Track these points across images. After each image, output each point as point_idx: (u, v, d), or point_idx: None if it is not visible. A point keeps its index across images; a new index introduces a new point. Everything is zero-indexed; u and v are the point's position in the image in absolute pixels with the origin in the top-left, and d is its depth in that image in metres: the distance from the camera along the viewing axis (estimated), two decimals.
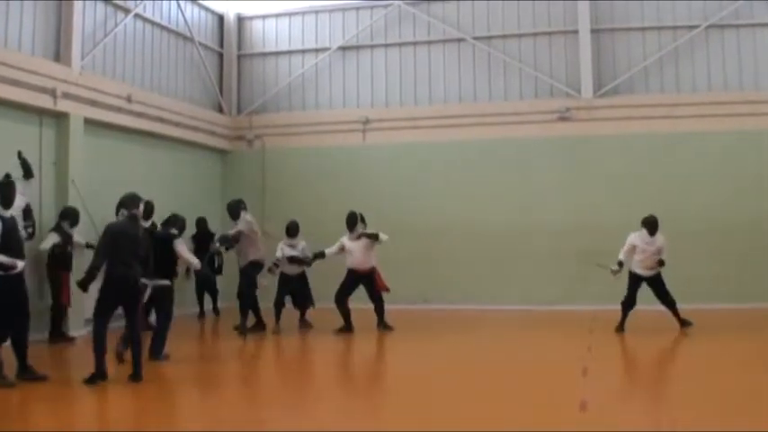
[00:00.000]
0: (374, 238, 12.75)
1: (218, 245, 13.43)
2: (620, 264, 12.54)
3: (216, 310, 15.71)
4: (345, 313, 12.90)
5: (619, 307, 12.62)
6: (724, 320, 13.66)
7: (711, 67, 16.74)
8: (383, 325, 13.12)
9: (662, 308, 12.58)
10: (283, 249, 13.22)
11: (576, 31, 16.87)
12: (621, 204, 15.64)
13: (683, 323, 12.37)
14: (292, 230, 13.36)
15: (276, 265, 13.30)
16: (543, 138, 16.75)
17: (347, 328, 12.87)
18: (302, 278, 13.49)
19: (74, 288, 10.46)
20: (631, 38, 16.96)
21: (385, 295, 13.26)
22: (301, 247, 13.26)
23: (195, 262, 10.44)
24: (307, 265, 13.14)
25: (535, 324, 14.36)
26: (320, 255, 12.95)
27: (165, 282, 9.89)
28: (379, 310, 13.07)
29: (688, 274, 14.88)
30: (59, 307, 11.92)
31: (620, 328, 12.48)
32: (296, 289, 13.44)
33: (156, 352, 9.88)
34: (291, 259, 13.00)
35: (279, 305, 13.20)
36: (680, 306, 12.52)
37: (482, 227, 16.75)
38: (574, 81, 16.90)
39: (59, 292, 11.83)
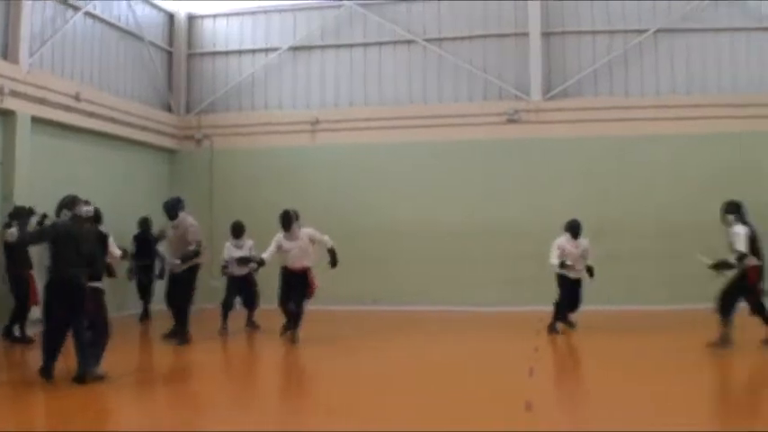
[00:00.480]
0: (334, 258, 11.97)
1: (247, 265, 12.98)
2: (563, 265, 12.65)
3: (147, 312, 15.32)
4: (289, 311, 12.19)
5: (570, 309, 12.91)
6: (672, 321, 13.87)
7: (660, 70, 17.04)
8: (295, 335, 11.97)
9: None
10: (230, 250, 13.15)
11: (526, 34, 17.10)
12: (570, 206, 15.69)
13: (569, 324, 12.79)
14: (238, 231, 13.30)
15: (225, 266, 13.24)
16: (492, 140, 16.93)
17: (289, 327, 12.18)
18: (250, 279, 13.44)
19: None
20: (581, 41, 17.23)
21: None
22: (248, 246, 13.20)
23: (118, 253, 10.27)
24: (256, 264, 12.63)
25: (484, 325, 14.48)
26: (261, 263, 12.19)
27: (97, 284, 9.15)
28: (297, 315, 11.95)
29: (634, 275, 15.08)
30: (25, 307, 11.63)
31: (553, 329, 12.69)
32: (244, 290, 13.38)
33: (87, 365, 8.43)
34: (240, 260, 12.77)
35: (227, 306, 13.14)
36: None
37: (432, 228, 16.88)
38: (523, 84, 17.09)
39: (25, 291, 11.55)
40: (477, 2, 17.38)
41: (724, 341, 10.28)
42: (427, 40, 17.38)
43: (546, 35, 17.10)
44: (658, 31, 16.96)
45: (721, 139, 16.41)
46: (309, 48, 17.83)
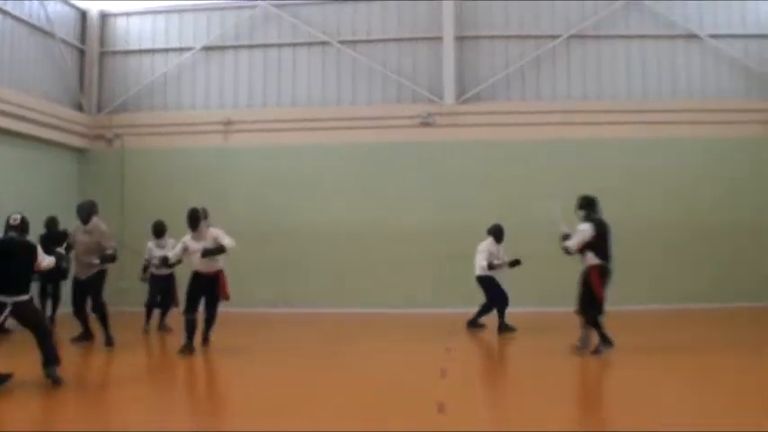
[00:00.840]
0: (220, 251, 11.13)
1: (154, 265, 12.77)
2: (491, 266, 13.04)
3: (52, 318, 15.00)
4: (193, 324, 11.22)
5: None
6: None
7: (572, 76, 17.35)
8: (206, 340, 11.56)
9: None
10: (152, 250, 13.03)
11: (440, 38, 17.26)
12: (483, 209, 15.93)
13: (510, 329, 12.95)
14: (159, 231, 13.21)
15: (146, 267, 13.17)
16: (406, 143, 17.07)
17: (188, 347, 11.13)
18: (170, 279, 13.38)
19: None
20: (495, 46, 17.46)
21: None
22: (171, 246, 13.00)
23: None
24: (172, 265, 12.28)
25: (397, 326, 14.55)
26: (164, 261, 11.69)
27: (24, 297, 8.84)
28: (210, 321, 11.47)
29: (547, 277, 15.24)
30: None
31: (476, 324, 13.15)
32: (163, 290, 13.29)
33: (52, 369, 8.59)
34: (164, 261, 12.04)
35: (150, 306, 13.18)
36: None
37: (346, 230, 16.97)
38: (437, 87, 17.24)
39: None
40: (392, 4, 17.50)
41: (583, 343, 10.47)
42: (342, 42, 17.44)
43: (460, 39, 17.29)
44: (571, 36, 17.25)
45: (629, 144, 16.81)
46: (223, 48, 17.76)
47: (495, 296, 13.02)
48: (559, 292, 15.58)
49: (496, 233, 13.27)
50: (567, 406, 7.88)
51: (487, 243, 13.22)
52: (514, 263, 13.33)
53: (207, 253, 11.02)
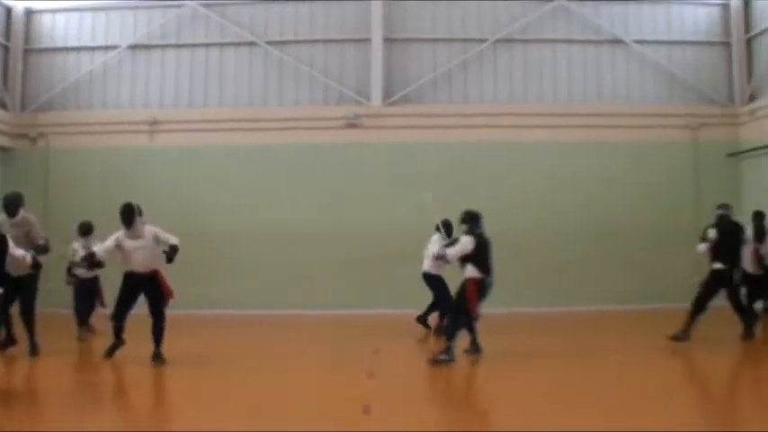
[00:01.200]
0: (172, 253, 10.59)
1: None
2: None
3: None
4: (121, 331, 10.81)
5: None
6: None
7: (499, 79, 17.58)
8: (158, 357, 10.68)
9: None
10: (78, 252, 12.65)
11: (368, 40, 17.33)
12: (409, 211, 15.98)
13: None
14: (86, 230, 12.97)
15: (70, 269, 12.82)
16: (333, 144, 17.16)
17: (115, 346, 10.85)
18: (95, 281, 13.24)
19: None
20: (423, 48, 17.63)
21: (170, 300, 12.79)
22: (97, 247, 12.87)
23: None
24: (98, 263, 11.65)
25: (326, 328, 14.62)
26: (90, 256, 11.00)
27: None
28: (159, 330, 10.73)
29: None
30: None
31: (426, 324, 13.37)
32: (88, 292, 13.17)
33: None
34: (90, 256, 11.32)
35: (79, 311, 12.93)
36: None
37: (273, 231, 16.96)
38: (364, 89, 17.36)
39: None
40: (320, 5, 17.58)
41: (445, 352, 10.52)
42: (269, 43, 17.47)
43: (388, 41, 17.43)
44: (498, 40, 17.47)
45: (555, 147, 17.10)
46: (150, 47, 17.67)
47: (446, 296, 12.81)
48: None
49: (447, 227, 12.82)
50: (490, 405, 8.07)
51: (438, 237, 12.98)
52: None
53: (171, 256, 10.52)
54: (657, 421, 7.27)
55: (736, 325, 12.25)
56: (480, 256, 10.65)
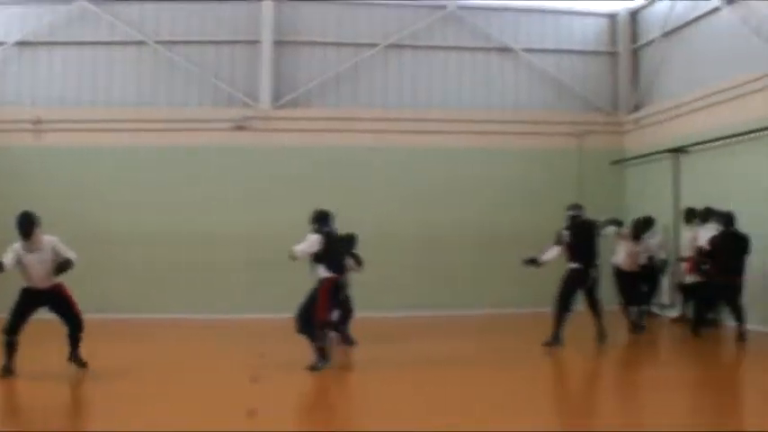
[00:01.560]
0: (70, 266, 9.97)
1: None
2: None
3: None
4: (14, 346, 9.95)
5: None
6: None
7: (389, 84, 17.83)
8: (77, 359, 10.30)
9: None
10: None
11: (258, 42, 17.40)
12: (297, 214, 15.95)
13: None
14: None
15: None
16: (221, 146, 17.21)
17: (8, 369, 9.86)
18: None
19: None
20: (314, 52, 17.79)
21: None
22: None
23: None
24: None
25: (212, 332, 14.62)
26: None
27: None
28: (75, 335, 10.25)
29: (363, 280, 15.51)
30: None
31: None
32: None
33: None
34: None
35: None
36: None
37: (159, 234, 16.90)
38: (253, 91, 17.42)
39: None
40: (212, 6, 17.62)
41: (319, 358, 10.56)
42: (159, 43, 17.44)
43: (278, 44, 17.56)
44: (389, 46, 17.69)
45: (443, 153, 17.41)
46: (36, 44, 17.48)
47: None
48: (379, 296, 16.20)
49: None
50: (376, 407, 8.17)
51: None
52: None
53: (61, 269, 9.85)
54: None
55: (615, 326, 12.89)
56: (331, 254, 10.68)
